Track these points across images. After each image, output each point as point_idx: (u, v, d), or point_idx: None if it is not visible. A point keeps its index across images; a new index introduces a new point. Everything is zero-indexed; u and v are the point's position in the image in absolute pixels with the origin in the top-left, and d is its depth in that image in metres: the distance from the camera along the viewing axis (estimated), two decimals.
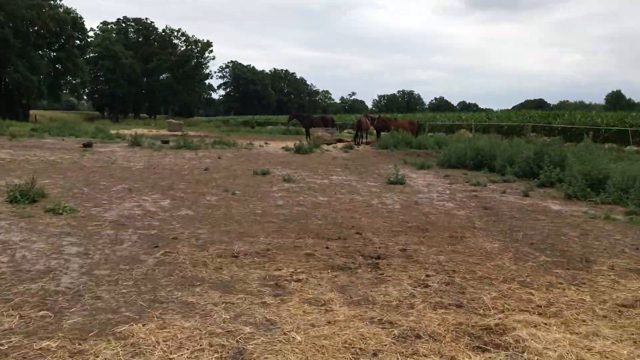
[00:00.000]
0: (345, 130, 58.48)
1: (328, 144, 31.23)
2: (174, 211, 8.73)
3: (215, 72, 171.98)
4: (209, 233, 7.30)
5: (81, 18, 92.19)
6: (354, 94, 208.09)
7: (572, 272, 6.02)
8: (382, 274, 5.67)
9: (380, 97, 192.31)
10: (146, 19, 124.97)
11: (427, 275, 5.64)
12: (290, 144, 24.29)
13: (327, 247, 6.70)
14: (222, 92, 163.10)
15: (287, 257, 6.23)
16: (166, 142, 26.58)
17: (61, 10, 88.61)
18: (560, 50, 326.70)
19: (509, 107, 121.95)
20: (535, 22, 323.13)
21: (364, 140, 33.52)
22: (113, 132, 42.11)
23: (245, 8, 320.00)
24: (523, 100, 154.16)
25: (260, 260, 6.02)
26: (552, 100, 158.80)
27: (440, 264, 6.13)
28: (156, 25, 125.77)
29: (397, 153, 23.91)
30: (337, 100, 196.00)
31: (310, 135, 34.05)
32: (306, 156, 20.44)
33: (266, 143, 30.62)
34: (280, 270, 5.70)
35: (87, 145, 20.88)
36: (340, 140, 35.51)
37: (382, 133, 33.55)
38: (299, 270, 5.68)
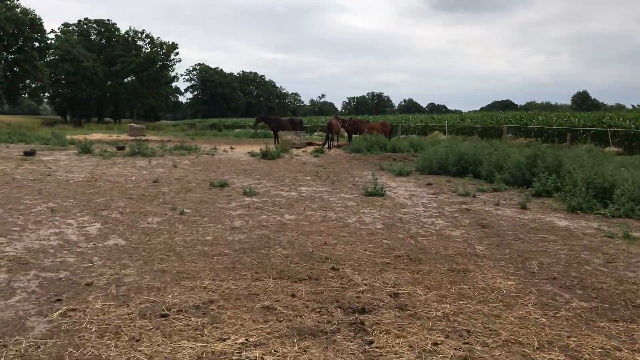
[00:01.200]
0: (316, 133, 56.90)
1: (297, 148, 29.53)
2: (100, 240, 6.91)
3: (182, 75, 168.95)
4: (137, 274, 5.52)
5: (40, 19, 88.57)
6: (323, 96, 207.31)
7: (624, 327, 4.45)
8: (371, 341, 3.99)
9: (350, 99, 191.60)
10: (108, 20, 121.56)
11: (435, 344, 3.98)
12: (258, 149, 22.50)
13: (293, 295, 4.99)
14: (189, 95, 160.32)
15: (238, 313, 4.50)
16: (121, 148, 24.56)
17: (18, 10, 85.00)
18: (523, 52, 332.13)
19: (477, 108, 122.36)
20: (498, 25, 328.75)
21: (335, 144, 31.94)
22: (69, 137, 39.78)
23: (210, 11, 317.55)
24: (491, 102, 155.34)
25: (198, 323, 4.28)
26: (519, 101, 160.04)
27: (447, 319, 4.48)
28: (119, 27, 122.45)
29: (371, 157, 22.34)
30: (307, 103, 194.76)
31: (278, 138, 32.31)
32: (273, 162, 18.68)
33: (231, 148, 28.72)
34: (224, 340, 3.97)
35: (29, 154, 18.75)
36: (310, 144, 33.83)
37: (354, 136, 32.04)
38: (251, 340, 3.96)
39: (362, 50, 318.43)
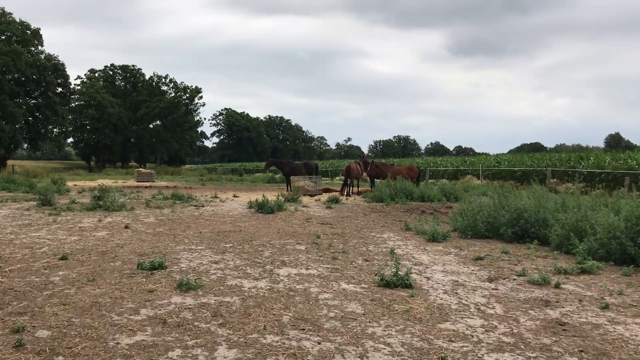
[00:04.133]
0: (337, 178, 53.01)
1: (312, 196, 25.47)
2: None
3: (207, 119, 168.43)
4: None
5: (62, 64, 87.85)
6: (349, 139, 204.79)
7: None
8: None
9: (376, 142, 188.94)
10: (133, 66, 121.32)
11: None
12: (269, 196, 18.39)
13: None
14: (216, 139, 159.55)
15: None
16: (99, 198, 20.81)
17: (42, 56, 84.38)
18: (547, 94, 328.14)
19: (505, 151, 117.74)
20: (520, 68, 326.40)
21: (356, 190, 27.81)
22: (70, 184, 36.66)
23: (234, 58, 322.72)
24: (519, 144, 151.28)
25: None
26: (548, 143, 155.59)
27: None
28: (144, 72, 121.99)
29: (394, 209, 18.09)
30: (333, 146, 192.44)
31: (291, 184, 28.32)
32: (268, 218, 14.54)
33: (235, 196, 24.83)
34: None
35: None
36: (327, 190, 29.77)
37: (378, 181, 27.90)
38: None
39: (386, 93, 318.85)
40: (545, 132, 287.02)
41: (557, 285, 7.06)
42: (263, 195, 17.02)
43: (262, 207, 16.17)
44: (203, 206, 18.00)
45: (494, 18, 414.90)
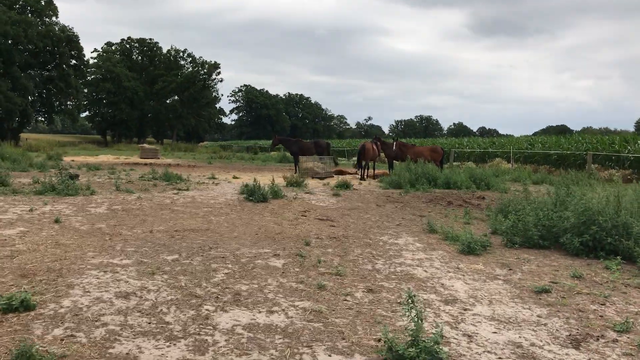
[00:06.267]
0: (354, 158, 49.90)
1: (321, 179, 22.51)
2: None
3: (226, 96, 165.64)
4: None
5: (77, 36, 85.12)
6: (370, 118, 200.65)
7: None
8: None
9: (397, 122, 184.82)
10: (150, 39, 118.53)
11: None
12: (276, 178, 15.47)
13: None
14: (235, 116, 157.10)
15: None
16: (75, 177, 18.16)
17: (56, 28, 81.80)
18: (571, 76, 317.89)
19: (530, 133, 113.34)
20: (543, 48, 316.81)
21: (371, 172, 24.75)
22: (67, 160, 34.39)
23: (255, 34, 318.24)
24: (543, 126, 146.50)
25: None
26: (573, 126, 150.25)
27: None
28: (161, 46, 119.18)
29: (415, 198, 15.03)
30: (353, 126, 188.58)
31: (298, 165, 25.36)
32: (256, 209, 11.59)
33: (234, 177, 22.05)
34: None
35: None
36: (340, 172, 26.78)
37: (397, 163, 24.84)
38: None
39: (407, 72, 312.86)
40: (569, 115, 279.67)
41: None
42: (254, 179, 14.02)
43: (251, 195, 13.22)
44: (187, 190, 15.14)
45: None
